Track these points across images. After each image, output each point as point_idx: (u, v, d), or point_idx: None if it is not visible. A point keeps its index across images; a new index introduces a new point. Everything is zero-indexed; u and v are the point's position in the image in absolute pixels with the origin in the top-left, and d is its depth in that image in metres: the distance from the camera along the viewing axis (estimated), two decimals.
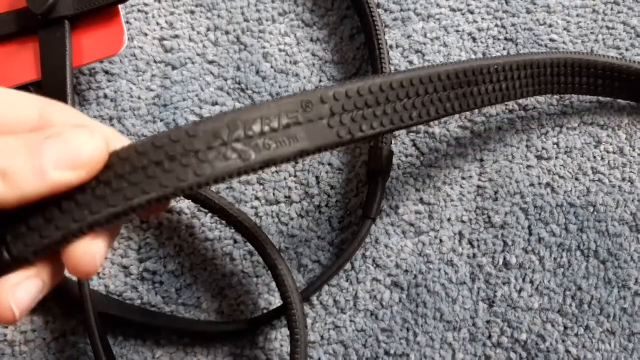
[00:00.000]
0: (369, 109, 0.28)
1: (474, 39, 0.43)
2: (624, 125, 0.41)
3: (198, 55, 0.43)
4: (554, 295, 0.38)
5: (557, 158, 0.41)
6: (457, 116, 0.41)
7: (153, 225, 0.40)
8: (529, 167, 0.40)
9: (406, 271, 0.39)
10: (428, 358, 0.38)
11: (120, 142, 0.24)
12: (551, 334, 0.38)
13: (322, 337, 0.38)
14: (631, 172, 0.40)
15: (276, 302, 0.39)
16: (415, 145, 0.41)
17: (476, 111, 0.41)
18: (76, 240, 0.22)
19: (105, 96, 0.42)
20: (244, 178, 0.40)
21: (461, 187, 0.40)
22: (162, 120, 0.41)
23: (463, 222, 0.40)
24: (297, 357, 0.34)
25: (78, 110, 0.24)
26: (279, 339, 0.38)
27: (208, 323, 0.38)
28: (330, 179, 0.41)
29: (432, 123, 0.41)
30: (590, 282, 0.39)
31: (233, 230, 0.40)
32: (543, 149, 0.41)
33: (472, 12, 0.44)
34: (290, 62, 0.43)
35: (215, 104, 0.42)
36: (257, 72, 0.42)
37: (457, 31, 0.43)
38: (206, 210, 0.40)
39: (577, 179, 0.40)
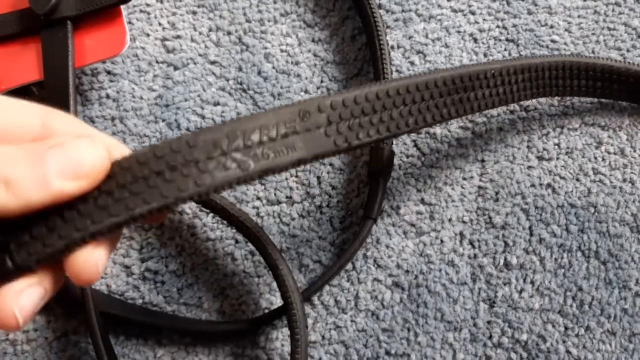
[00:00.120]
0: (365, 116, 0.28)
1: (475, 40, 0.43)
2: (624, 126, 0.41)
3: (200, 55, 0.43)
4: (554, 295, 0.38)
5: (558, 159, 0.41)
6: None
7: (154, 225, 0.40)
8: (529, 167, 0.41)
9: (407, 271, 0.39)
10: (429, 358, 0.38)
11: (122, 151, 0.24)
12: (552, 335, 0.38)
13: (323, 337, 0.38)
14: (632, 172, 0.40)
15: (277, 301, 0.39)
16: (416, 145, 0.41)
17: None
18: (78, 249, 0.22)
19: (107, 96, 0.42)
20: None
21: (462, 187, 0.40)
22: (163, 120, 0.42)
23: (464, 222, 0.40)
24: (297, 357, 0.34)
25: (80, 120, 0.25)
26: (280, 338, 0.38)
27: (209, 322, 0.38)
28: (332, 179, 0.41)
29: None
30: (590, 283, 0.39)
31: (234, 230, 0.40)
32: (544, 149, 0.41)
33: (473, 13, 0.44)
34: (292, 63, 0.43)
35: (216, 104, 0.42)
36: (259, 73, 0.42)
37: (458, 32, 0.43)
38: (207, 210, 0.40)
39: (577, 180, 0.40)
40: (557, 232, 0.39)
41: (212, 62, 0.43)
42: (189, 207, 0.40)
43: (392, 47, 0.43)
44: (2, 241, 0.22)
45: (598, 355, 0.38)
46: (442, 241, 0.39)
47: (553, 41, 0.43)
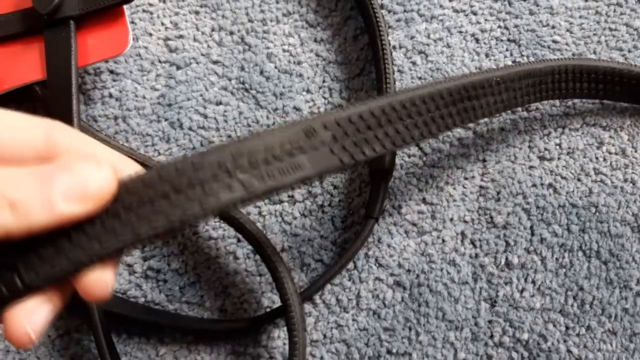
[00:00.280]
0: (370, 131, 0.27)
1: (477, 40, 0.43)
2: (626, 126, 0.41)
3: (202, 55, 0.43)
4: (555, 295, 0.39)
5: (559, 159, 0.41)
6: None
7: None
8: (531, 167, 0.41)
9: (408, 270, 0.39)
10: (430, 357, 0.38)
11: (128, 166, 0.24)
12: (553, 334, 0.38)
13: (325, 336, 0.38)
14: (633, 173, 0.40)
15: (279, 300, 0.39)
16: (417, 145, 0.41)
17: None
18: (86, 270, 0.23)
19: (110, 95, 0.42)
20: None
21: (463, 187, 0.41)
22: (166, 120, 0.42)
23: (465, 222, 0.40)
24: (295, 359, 0.35)
25: (84, 134, 0.25)
26: (282, 337, 0.38)
27: (211, 321, 0.39)
28: (333, 179, 0.41)
29: None
30: (591, 283, 0.39)
31: None
32: (545, 149, 0.41)
33: (475, 13, 0.44)
34: (294, 63, 0.43)
35: (219, 103, 0.42)
36: (261, 72, 0.43)
37: (460, 32, 0.43)
38: None
39: (579, 180, 0.40)
40: (559, 232, 0.39)
41: (215, 62, 0.43)
42: None
43: (394, 47, 0.43)
44: (11, 260, 0.22)
45: (599, 355, 0.38)
46: (443, 241, 0.40)
47: (554, 42, 0.43)
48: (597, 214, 0.40)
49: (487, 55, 0.43)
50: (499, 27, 0.44)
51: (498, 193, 0.40)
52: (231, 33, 0.43)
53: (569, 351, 0.38)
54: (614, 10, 0.44)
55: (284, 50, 0.43)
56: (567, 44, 0.43)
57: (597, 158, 0.41)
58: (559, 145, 0.41)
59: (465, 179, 0.41)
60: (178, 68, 0.43)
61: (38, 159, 0.23)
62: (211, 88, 0.42)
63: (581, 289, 0.39)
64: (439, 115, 0.31)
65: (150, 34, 0.43)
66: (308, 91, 0.42)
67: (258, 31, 0.43)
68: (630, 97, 0.40)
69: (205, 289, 0.39)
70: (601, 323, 0.38)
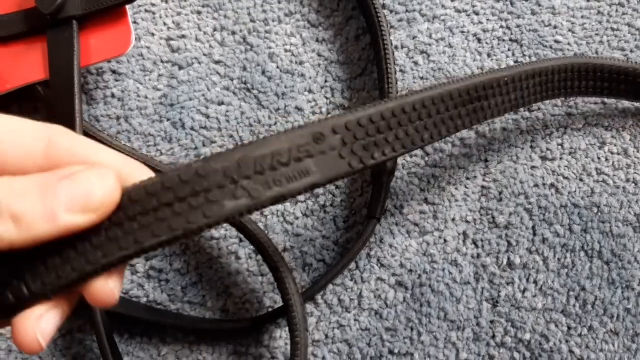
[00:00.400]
0: (380, 134, 0.27)
1: (479, 40, 0.43)
2: (628, 126, 0.41)
3: (204, 55, 0.43)
4: (557, 295, 0.39)
5: (561, 159, 0.41)
6: None
7: None
8: (533, 167, 0.41)
9: (410, 271, 0.39)
10: (432, 357, 0.38)
11: (134, 168, 0.24)
12: (555, 334, 0.38)
13: (327, 336, 0.38)
14: (635, 173, 0.40)
15: (281, 300, 0.39)
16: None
17: None
18: (92, 280, 0.23)
19: (113, 95, 0.42)
20: None
21: (466, 187, 0.41)
22: (168, 120, 0.42)
23: (467, 222, 0.40)
24: (297, 359, 0.35)
25: (86, 138, 0.24)
26: (284, 337, 0.38)
27: (213, 321, 0.39)
28: None
29: None
30: (594, 283, 0.39)
31: None
32: (547, 149, 0.41)
33: (477, 13, 0.44)
34: (296, 63, 0.43)
35: (221, 103, 0.42)
36: (263, 72, 0.43)
37: (462, 32, 0.43)
38: None
39: (581, 180, 0.40)
40: (561, 232, 0.39)
41: (217, 62, 0.43)
42: None
43: (396, 47, 0.43)
44: (18, 269, 0.22)
45: (601, 355, 0.38)
46: (445, 241, 0.40)
47: (557, 41, 0.43)
48: (600, 214, 0.40)
49: (489, 56, 0.43)
50: (501, 27, 0.44)
51: (500, 193, 0.40)
52: (233, 33, 0.43)
53: (571, 352, 0.38)
54: (616, 11, 0.44)
55: (286, 51, 0.43)
56: (569, 44, 0.43)
57: (599, 158, 0.41)
58: (561, 145, 0.41)
59: (468, 179, 0.41)
60: (180, 68, 0.43)
61: (40, 166, 0.23)
62: (213, 88, 0.42)
63: (583, 289, 0.39)
64: (449, 117, 0.30)
65: (153, 34, 0.43)
66: (310, 91, 0.42)
67: (260, 31, 0.43)
68: (635, 95, 0.40)
69: (207, 289, 0.39)
70: (603, 323, 0.38)
